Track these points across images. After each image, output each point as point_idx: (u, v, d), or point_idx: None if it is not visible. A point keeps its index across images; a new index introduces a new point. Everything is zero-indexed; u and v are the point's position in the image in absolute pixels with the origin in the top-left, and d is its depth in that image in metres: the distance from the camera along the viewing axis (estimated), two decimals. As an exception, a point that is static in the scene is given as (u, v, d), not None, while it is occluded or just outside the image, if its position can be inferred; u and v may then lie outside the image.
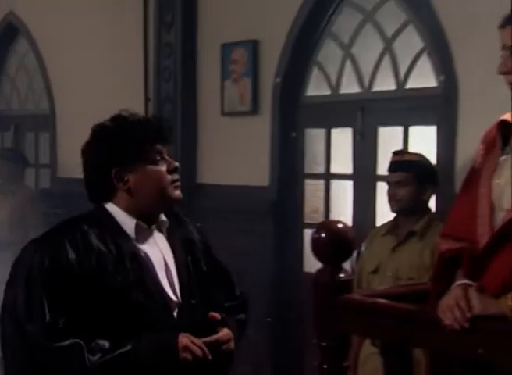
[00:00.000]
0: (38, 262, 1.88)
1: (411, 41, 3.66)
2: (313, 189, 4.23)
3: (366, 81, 3.92)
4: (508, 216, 1.84)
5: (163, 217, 2.04)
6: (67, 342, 1.83)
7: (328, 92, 4.11)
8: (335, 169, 4.11)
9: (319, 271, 2.18)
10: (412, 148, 3.59)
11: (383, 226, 3.20)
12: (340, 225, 2.19)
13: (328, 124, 4.11)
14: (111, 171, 1.95)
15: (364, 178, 3.89)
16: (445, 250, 1.99)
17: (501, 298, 1.80)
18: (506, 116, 2.06)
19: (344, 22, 3.99)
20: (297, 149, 4.23)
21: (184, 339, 1.92)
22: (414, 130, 3.69)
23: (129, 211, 1.98)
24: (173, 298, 1.99)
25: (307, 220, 4.19)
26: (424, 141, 3.62)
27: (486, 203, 1.92)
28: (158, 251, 2.01)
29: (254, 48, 4.27)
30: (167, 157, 2.01)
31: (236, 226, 4.17)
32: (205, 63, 4.59)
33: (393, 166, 3.08)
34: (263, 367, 4.22)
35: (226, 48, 4.40)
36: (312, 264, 2.26)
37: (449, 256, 1.97)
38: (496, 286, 1.82)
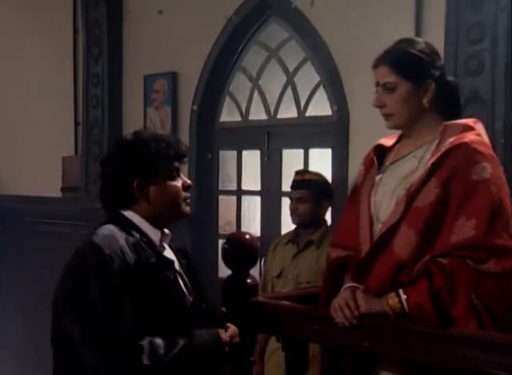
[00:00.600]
0: (117, 268, 1.73)
1: (309, 76, 3.71)
2: (226, 204, 4.21)
3: (271, 109, 3.95)
4: (384, 227, 1.89)
5: (166, 230, 1.96)
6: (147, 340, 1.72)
7: (239, 119, 4.13)
8: (245, 186, 4.11)
9: (228, 277, 2.20)
10: (311, 167, 3.61)
11: (285, 235, 3.21)
12: (247, 236, 2.20)
13: (240, 146, 4.12)
14: (133, 182, 1.85)
15: (270, 194, 3.91)
16: (334, 258, 2.02)
17: (383, 297, 1.84)
18: (382, 141, 2.12)
19: (252, 57, 4.02)
20: (213, 168, 4.23)
21: (223, 334, 1.88)
22: (313, 152, 3.72)
23: (147, 220, 1.88)
24: (189, 298, 1.92)
25: (221, 232, 4.18)
26: (321, 161, 3.66)
27: (366, 217, 1.96)
28: (173, 258, 1.94)
29: (173, 79, 4.25)
30: (182, 175, 1.94)
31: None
32: (130, 92, 4.55)
33: (295, 184, 3.09)
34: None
35: (148, 79, 4.38)
36: (226, 271, 2.26)
37: (338, 263, 2.00)
38: (377, 287, 1.86)
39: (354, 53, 3.29)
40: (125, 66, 4.58)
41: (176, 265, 1.93)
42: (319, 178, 3.12)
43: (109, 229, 1.82)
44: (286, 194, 3.53)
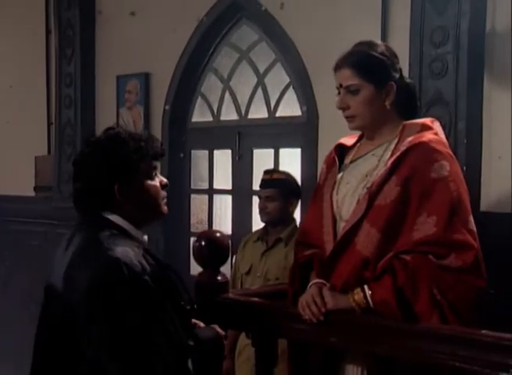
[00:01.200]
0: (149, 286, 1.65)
1: (279, 77, 3.71)
2: (198, 202, 4.20)
3: (242, 110, 3.95)
4: (347, 226, 1.90)
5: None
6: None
7: (210, 119, 4.12)
8: (217, 185, 4.10)
9: (200, 274, 2.19)
10: (282, 167, 3.62)
11: (255, 233, 3.21)
12: (218, 234, 2.20)
13: (211, 146, 4.11)
14: (112, 182, 1.75)
15: (241, 193, 3.91)
16: (300, 256, 2.03)
17: (349, 293, 1.85)
18: (343, 140, 2.13)
19: (223, 59, 4.01)
20: (185, 168, 4.21)
21: (218, 328, 1.90)
22: (283, 152, 3.73)
23: (129, 221, 1.78)
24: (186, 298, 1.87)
25: (193, 230, 4.17)
26: (291, 161, 3.66)
27: (329, 215, 1.96)
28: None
29: (145, 79, 4.23)
30: (159, 173, 1.86)
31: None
32: (102, 92, 4.52)
33: (264, 183, 3.10)
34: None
35: (121, 80, 4.35)
36: (197, 268, 2.25)
37: (303, 261, 2.01)
38: (342, 284, 1.87)
39: (323, 55, 3.29)
40: (97, 67, 4.55)
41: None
42: (287, 177, 3.12)
43: (116, 242, 1.70)
44: (256, 193, 3.51)
